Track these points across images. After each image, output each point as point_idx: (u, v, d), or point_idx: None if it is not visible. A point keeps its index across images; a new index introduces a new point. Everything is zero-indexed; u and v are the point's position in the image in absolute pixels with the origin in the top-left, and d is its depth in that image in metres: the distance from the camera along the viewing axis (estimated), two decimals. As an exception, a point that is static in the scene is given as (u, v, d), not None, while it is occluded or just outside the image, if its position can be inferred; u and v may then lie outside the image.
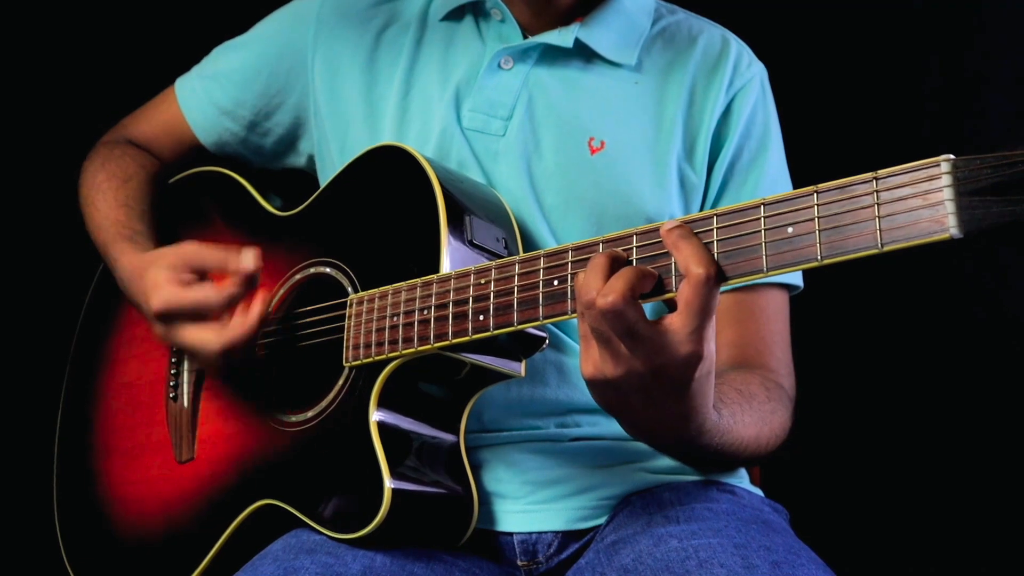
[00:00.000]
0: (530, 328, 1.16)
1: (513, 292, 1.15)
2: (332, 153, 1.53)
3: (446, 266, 1.24)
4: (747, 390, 1.31)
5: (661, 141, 1.46)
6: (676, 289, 1.02)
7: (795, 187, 1.52)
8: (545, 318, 1.12)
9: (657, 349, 1.01)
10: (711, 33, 1.56)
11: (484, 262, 1.20)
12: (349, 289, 1.34)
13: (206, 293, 1.33)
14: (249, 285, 1.34)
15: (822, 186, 0.94)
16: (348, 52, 1.54)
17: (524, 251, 1.33)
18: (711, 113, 1.48)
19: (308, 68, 1.56)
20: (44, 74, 2.16)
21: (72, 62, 2.15)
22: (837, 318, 2.06)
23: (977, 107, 2.04)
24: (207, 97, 1.64)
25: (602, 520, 1.39)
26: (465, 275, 1.20)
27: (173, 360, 1.54)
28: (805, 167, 1.55)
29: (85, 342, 1.70)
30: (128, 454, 1.56)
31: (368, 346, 1.27)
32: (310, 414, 1.33)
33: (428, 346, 1.21)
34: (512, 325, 1.14)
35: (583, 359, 1.07)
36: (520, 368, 1.29)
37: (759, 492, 1.47)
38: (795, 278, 1.51)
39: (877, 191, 0.90)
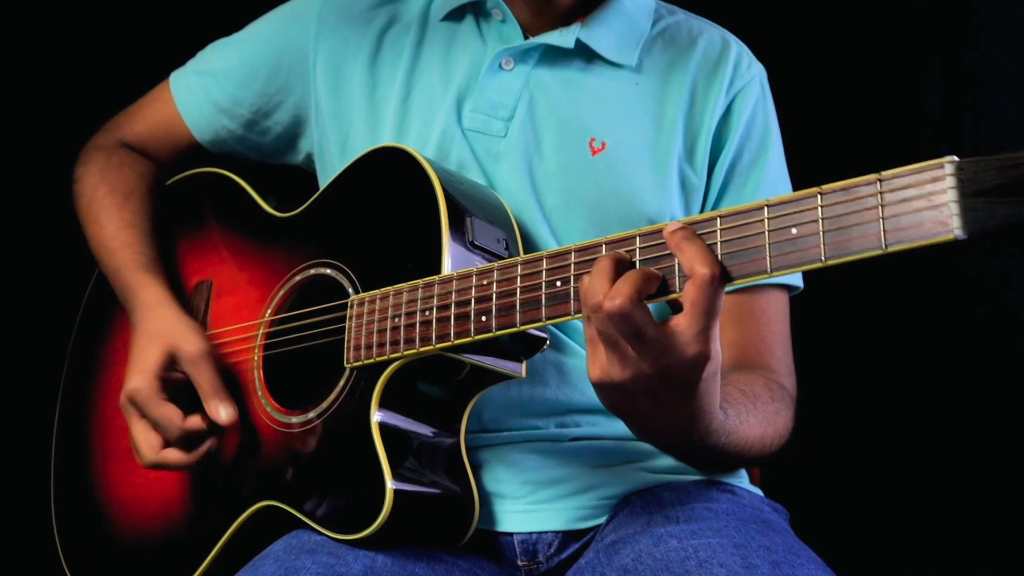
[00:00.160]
0: (532, 329, 1.16)
1: (516, 293, 1.15)
2: (332, 153, 1.53)
3: (447, 267, 1.24)
4: (751, 391, 1.32)
5: (662, 142, 1.46)
6: (679, 290, 1.02)
7: (795, 188, 1.53)
8: (548, 319, 1.12)
9: (664, 351, 1.01)
10: (711, 34, 1.56)
11: (484, 263, 1.20)
12: (350, 290, 1.34)
13: (170, 418, 1.38)
14: (210, 432, 1.40)
15: (826, 187, 0.94)
16: (350, 53, 1.53)
17: (525, 252, 1.33)
18: (711, 114, 1.48)
19: (310, 68, 1.55)
20: (41, 72, 2.15)
21: (68, 60, 2.14)
22: (838, 318, 2.06)
23: (977, 107, 2.05)
24: (204, 95, 1.63)
25: (602, 520, 1.39)
26: (467, 276, 1.20)
27: (173, 360, 1.54)
28: (805, 167, 1.55)
29: (82, 343, 1.70)
30: (126, 455, 1.55)
31: (369, 347, 1.27)
32: (311, 415, 1.33)
33: (430, 347, 1.21)
34: (515, 326, 1.14)
35: (589, 363, 1.07)
36: (521, 369, 1.29)
37: (759, 492, 1.47)
38: (795, 279, 1.51)
39: (881, 192, 0.90)
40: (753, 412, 1.28)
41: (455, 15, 1.53)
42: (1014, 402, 2.01)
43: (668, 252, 1.03)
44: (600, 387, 1.08)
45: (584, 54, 1.48)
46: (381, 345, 1.26)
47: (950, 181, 0.86)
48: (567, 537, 1.38)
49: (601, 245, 1.09)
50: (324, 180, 1.56)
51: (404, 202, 1.31)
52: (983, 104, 2.04)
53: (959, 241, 0.86)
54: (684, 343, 1.01)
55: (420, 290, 1.24)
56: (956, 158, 0.87)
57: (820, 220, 0.94)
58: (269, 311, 1.44)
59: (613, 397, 1.09)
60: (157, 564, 1.46)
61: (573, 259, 1.11)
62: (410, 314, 1.24)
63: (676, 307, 1.04)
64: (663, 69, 1.51)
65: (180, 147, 1.67)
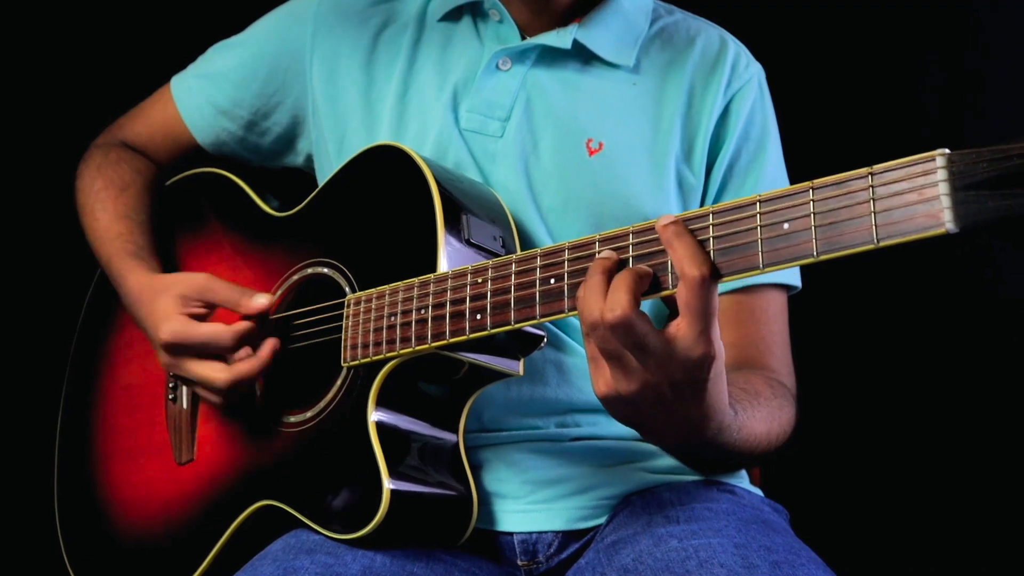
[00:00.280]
0: (528, 327, 1.16)
1: (510, 291, 1.15)
2: (330, 153, 1.53)
3: (443, 265, 1.24)
4: (752, 388, 1.32)
5: (659, 142, 1.46)
6: (672, 286, 1.02)
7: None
8: (542, 316, 1.12)
9: (668, 358, 1.01)
10: (709, 34, 1.55)
11: (481, 261, 1.20)
12: (347, 289, 1.34)
13: (217, 331, 1.35)
14: (259, 325, 1.37)
15: (818, 182, 0.94)
16: (346, 52, 1.53)
17: (521, 251, 1.33)
18: (709, 114, 1.48)
19: (306, 68, 1.56)
20: (42, 74, 2.16)
21: (69, 61, 2.15)
22: (836, 317, 2.05)
23: (977, 107, 2.04)
24: (204, 97, 1.63)
25: (602, 520, 1.39)
26: (462, 274, 1.20)
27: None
28: (804, 167, 1.53)
29: (85, 344, 1.71)
30: (128, 455, 1.56)
31: (366, 346, 1.27)
32: (309, 414, 1.33)
33: (426, 346, 1.21)
34: (509, 324, 1.14)
35: (594, 379, 1.08)
36: (519, 367, 1.29)
37: (759, 492, 1.47)
38: (793, 278, 1.51)
39: (873, 186, 0.90)
40: (758, 408, 1.28)
41: (452, 15, 1.53)
42: (1013, 399, 2.00)
43: (661, 248, 1.03)
44: (608, 401, 1.08)
45: (581, 54, 1.48)
46: (378, 344, 1.26)
47: (941, 174, 0.86)
48: (567, 537, 1.38)
49: (595, 242, 1.09)
50: (322, 180, 1.56)
51: (400, 200, 1.31)
52: (983, 104, 2.03)
53: (951, 235, 0.86)
54: (687, 347, 1.01)
55: (416, 289, 1.24)
56: (947, 151, 0.86)
57: (812, 215, 0.94)
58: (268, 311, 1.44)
59: (623, 410, 1.10)
60: (158, 564, 1.47)
61: (567, 256, 1.11)
62: (406, 313, 1.24)
63: (672, 306, 1.03)
64: (661, 69, 1.50)
65: (181, 149, 1.68)
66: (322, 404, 1.32)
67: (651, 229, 1.04)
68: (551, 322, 1.20)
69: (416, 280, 1.24)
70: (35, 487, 1.77)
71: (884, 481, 2.09)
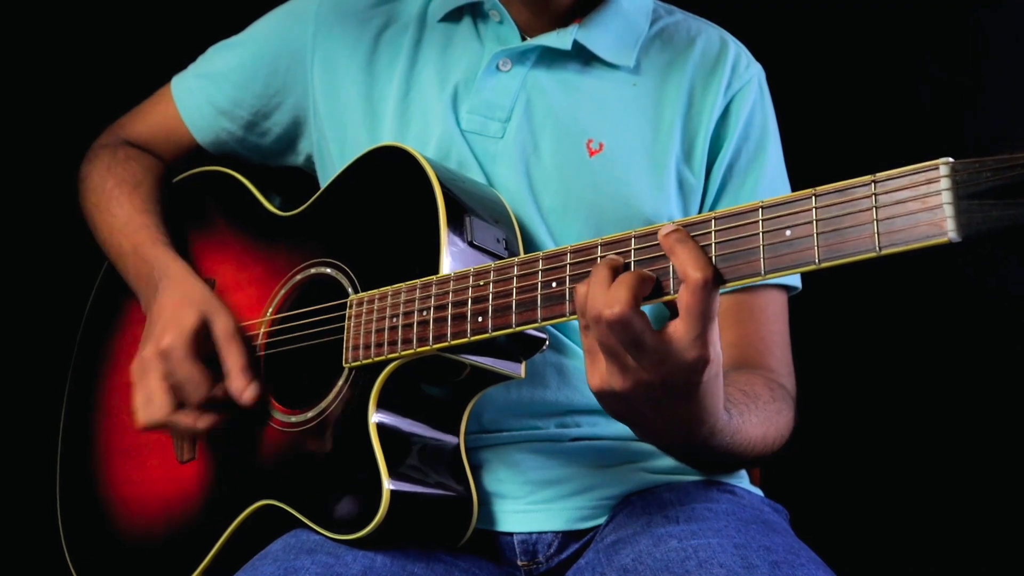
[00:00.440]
0: (530, 329, 1.16)
1: (512, 294, 1.15)
2: (332, 153, 1.53)
3: (446, 267, 1.24)
4: (752, 391, 1.32)
5: (659, 143, 1.46)
6: (674, 291, 1.02)
7: (794, 188, 1.52)
8: (543, 320, 1.12)
9: (663, 358, 1.01)
10: (709, 34, 1.55)
11: (484, 263, 1.20)
12: (349, 290, 1.34)
13: (200, 383, 1.37)
14: (227, 406, 1.38)
15: (820, 189, 0.94)
16: (347, 52, 1.53)
17: (524, 252, 1.33)
18: (709, 115, 1.48)
19: (307, 68, 1.55)
20: (42, 74, 2.15)
21: (70, 62, 2.14)
22: (837, 318, 2.05)
23: (977, 107, 2.04)
24: (204, 97, 1.63)
25: (602, 520, 1.39)
26: (464, 276, 1.20)
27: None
28: (804, 168, 1.55)
29: (88, 342, 1.71)
30: (130, 454, 1.56)
31: (368, 347, 1.27)
32: (310, 415, 1.33)
33: (427, 347, 1.21)
34: (510, 326, 1.14)
35: (589, 373, 1.07)
36: (520, 369, 1.29)
37: (759, 492, 1.47)
38: (794, 279, 1.51)
39: (875, 194, 0.90)
40: (755, 411, 1.27)
41: (453, 16, 1.52)
42: (1013, 402, 2.00)
43: (663, 254, 1.03)
44: (601, 396, 1.08)
45: (582, 55, 1.48)
46: (379, 345, 1.26)
47: (945, 183, 0.86)
48: (567, 537, 1.38)
49: (597, 246, 1.09)
50: (324, 180, 1.57)
51: (404, 201, 1.31)
52: (983, 104, 2.03)
53: (953, 244, 0.86)
54: (682, 349, 1.01)
55: (418, 290, 1.24)
56: (951, 159, 0.86)
57: (815, 222, 0.94)
58: (270, 310, 1.44)
59: (615, 405, 1.10)
60: (158, 562, 1.47)
61: (569, 260, 1.11)
62: (408, 314, 1.24)
63: (673, 309, 1.04)
64: (661, 70, 1.50)
65: (182, 149, 1.68)
66: (323, 404, 1.32)
67: (653, 234, 1.04)
68: (552, 325, 1.20)
69: (418, 282, 1.24)
70: (37, 485, 1.77)
71: (884, 481, 2.09)
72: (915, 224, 0.87)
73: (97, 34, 2.13)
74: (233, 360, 1.38)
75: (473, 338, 1.17)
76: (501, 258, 1.28)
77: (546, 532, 1.38)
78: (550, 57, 1.48)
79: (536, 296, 1.13)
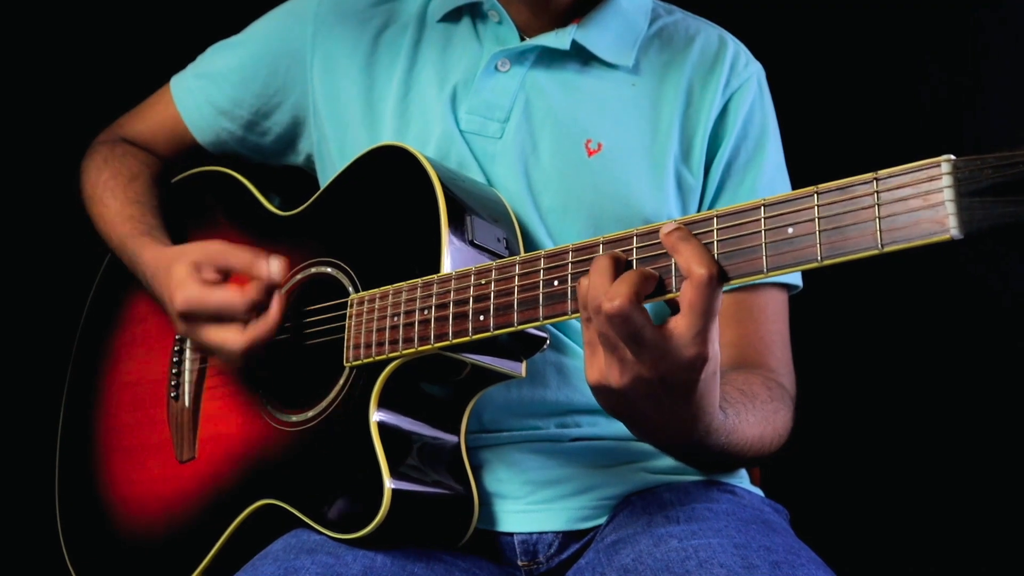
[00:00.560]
0: (531, 328, 1.16)
1: (513, 292, 1.15)
2: (332, 153, 1.53)
3: (447, 266, 1.24)
4: (749, 390, 1.31)
5: (658, 142, 1.46)
6: (676, 289, 1.02)
7: (793, 187, 1.53)
8: (545, 318, 1.12)
9: (662, 354, 1.01)
10: (708, 33, 1.55)
11: (485, 262, 1.20)
12: (350, 289, 1.34)
13: (230, 296, 1.34)
14: (271, 291, 1.35)
15: (822, 186, 0.94)
16: (346, 52, 1.53)
17: (524, 252, 1.33)
18: (708, 113, 1.48)
19: (307, 68, 1.55)
20: (42, 74, 2.15)
21: (71, 62, 2.14)
22: (837, 318, 2.06)
23: (977, 107, 2.04)
24: (204, 97, 1.63)
25: (602, 520, 1.39)
26: (465, 275, 1.20)
27: (174, 359, 1.54)
28: (804, 167, 1.55)
29: (88, 340, 1.71)
30: (130, 453, 1.56)
31: (368, 346, 1.27)
32: (311, 414, 1.33)
33: (428, 346, 1.21)
34: (512, 325, 1.14)
35: (587, 366, 1.07)
36: (521, 368, 1.29)
37: (759, 492, 1.47)
38: (794, 278, 1.51)
39: (878, 191, 0.90)
40: (752, 411, 1.27)
41: (452, 16, 1.52)
42: (1013, 402, 2.01)
43: (665, 252, 1.03)
44: (598, 390, 1.08)
45: (580, 55, 1.48)
46: (380, 344, 1.26)
47: (947, 180, 0.86)
48: (567, 537, 1.38)
49: (598, 245, 1.09)
50: (324, 180, 1.57)
51: (404, 201, 1.31)
52: (983, 104, 2.03)
53: (955, 241, 0.86)
54: (682, 345, 1.01)
55: (419, 289, 1.24)
56: (953, 157, 0.86)
57: (816, 219, 0.94)
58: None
59: (612, 400, 1.09)
60: (158, 562, 1.47)
61: (571, 259, 1.11)
62: (409, 313, 1.24)
63: (674, 307, 1.03)
64: (660, 69, 1.50)
65: (181, 148, 1.68)
66: (324, 404, 1.32)
67: (655, 233, 1.04)
68: (553, 324, 1.20)
69: (419, 281, 1.24)
70: (36, 484, 1.77)
71: (884, 481, 2.09)
72: (917, 221, 0.87)
73: (97, 34, 2.13)
74: (240, 257, 1.37)
75: (474, 337, 1.17)
76: (502, 257, 1.28)
77: (546, 532, 1.38)
78: (549, 57, 1.48)
79: (538, 295, 1.13)
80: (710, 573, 1.11)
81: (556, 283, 1.11)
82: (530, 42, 1.47)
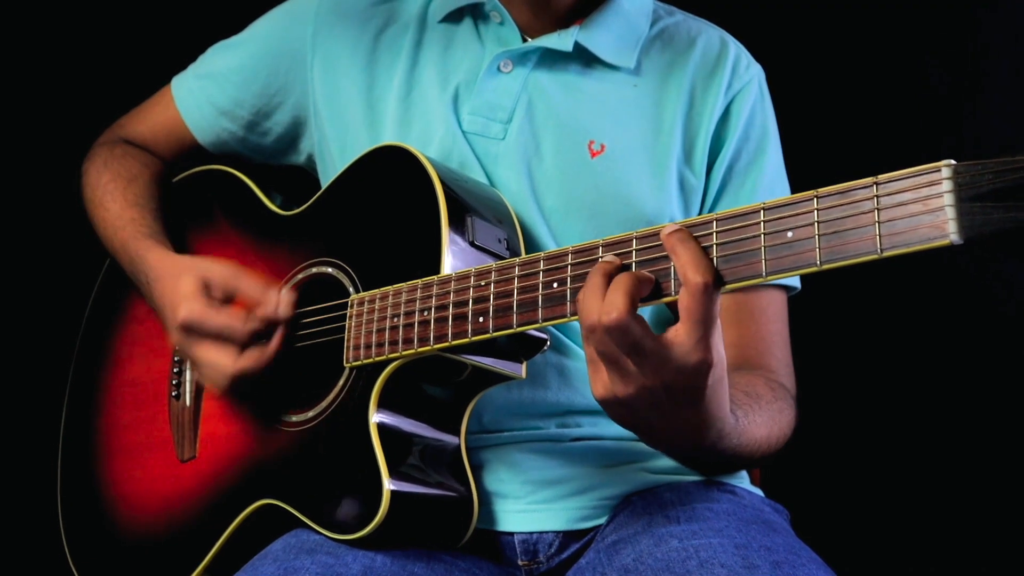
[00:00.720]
0: (531, 330, 1.16)
1: (513, 294, 1.15)
2: (333, 153, 1.53)
3: (447, 267, 1.24)
4: (753, 391, 1.31)
5: (660, 144, 1.46)
6: (675, 292, 1.02)
7: (793, 189, 1.53)
8: (544, 320, 1.12)
9: (665, 363, 1.01)
10: (709, 35, 1.55)
11: (485, 263, 1.20)
12: (350, 289, 1.34)
13: (232, 322, 1.35)
14: (275, 324, 1.36)
15: (822, 191, 0.94)
16: (347, 52, 1.53)
17: (526, 253, 1.33)
18: (710, 115, 1.48)
19: (307, 68, 1.55)
20: (42, 74, 2.15)
21: (70, 62, 2.14)
22: (837, 319, 2.06)
23: (977, 107, 2.04)
24: (205, 97, 1.63)
25: (603, 520, 1.39)
26: (465, 276, 1.20)
27: (176, 359, 1.54)
28: (804, 168, 1.55)
29: (89, 340, 1.71)
30: (130, 452, 1.56)
31: (368, 347, 1.27)
32: (311, 414, 1.33)
33: (428, 347, 1.21)
34: (511, 327, 1.14)
35: (592, 382, 1.07)
36: (521, 370, 1.29)
37: (759, 492, 1.47)
38: (793, 280, 1.50)
39: (877, 196, 0.90)
40: (758, 412, 1.27)
41: (453, 17, 1.52)
42: (1013, 403, 2.01)
43: (665, 254, 1.03)
44: (606, 404, 1.08)
45: (582, 56, 1.48)
46: (380, 345, 1.26)
47: (947, 185, 0.86)
48: (568, 537, 1.38)
49: (599, 247, 1.09)
50: (325, 180, 1.57)
51: (405, 201, 1.31)
52: (983, 104, 2.03)
53: (955, 246, 0.86)
54: (684, 353, 1.01)
55: (419, 290, 1.24)
56: (953, 162, 0.86)
57: (816, 224, 0.93)
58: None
59: (620, 413, 1.09)
60: (158, 561, 1.47)
61: (570, 260, 1.11)
62: (409, 314, 1.24)
63: (675, 310, 1.03)
64: (662, 71, 1.50)
65: (182, 148, 1.68)
66: (324, 404, 1.32)
67: (655, 235, 1.04)
68: (553, 326, 1.20)
69: (420, 281, 1.24)
70: (38, 483, 1.77)
71: (884, 481, 2.09)
72: (917, 226, 0.87)
73: (97, 34, 2.13)
74: (249, 288, 1.37)
75: (474, 338, 1.17)
76: (502, 258, 1.28)
77: (547, 532, 1.38)
78: (551, 58, 1.48)
79: (537, 296, 1.13)
80: (711, 573, 1.11)
81: (556, 285, 1.11)
82: (532, 43, 1.47)
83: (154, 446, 1.53)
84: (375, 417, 1.25)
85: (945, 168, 0.86)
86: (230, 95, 1.61)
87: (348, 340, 1.30)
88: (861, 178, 0.92)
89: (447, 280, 1.21)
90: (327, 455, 1.30)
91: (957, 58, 2.06)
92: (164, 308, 1.42)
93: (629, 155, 1.44)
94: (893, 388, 2.09)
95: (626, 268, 1.05)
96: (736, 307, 1.47)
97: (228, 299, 1.39)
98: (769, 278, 0.96)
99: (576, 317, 1.08)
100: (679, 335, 1.00)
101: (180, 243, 1.58)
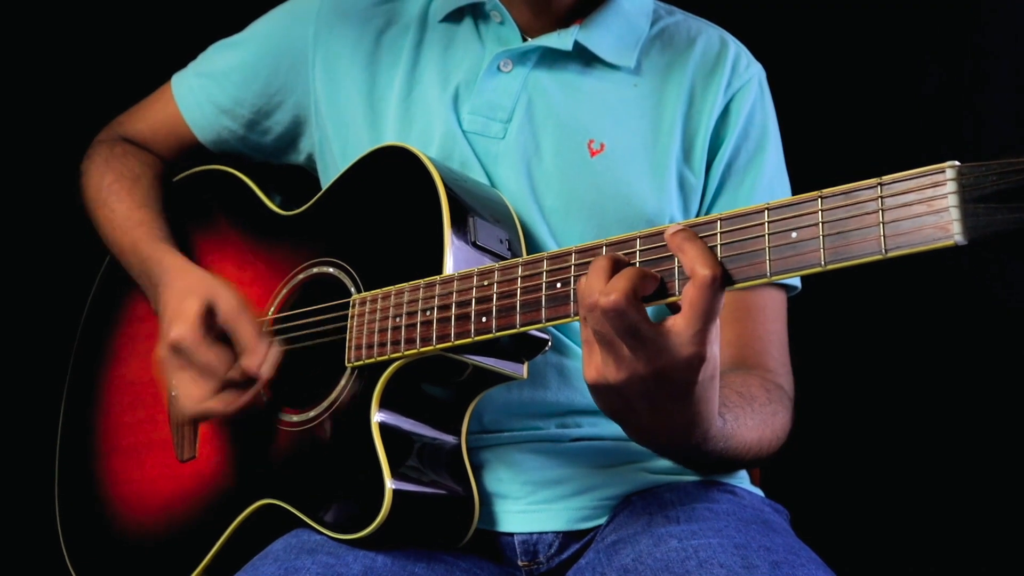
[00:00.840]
0: (532, 330, 1.16)
1: (516, 294, 1.15)
2: (333, 153, 1.53)
3: (449, 267, 1.24)
4: (748, 392, 1.31)
5: (660, 143, 1.46)
6: (678, 293, 1.02)
7: (793, 188, 1.53)
8: (548, 320, 1.12)
9: (659, 351, 1.00)
10: (709, 34, 1.55)
11: (487, 263, 1.20)
12: (352, 289, 1.34)
13: (217, 364, 1.34)
14: (263, 323, 1.37)
15: (826, 191, 0.94)
16: (348, 52, 1.53)
17: (527, 253, 1.33)
18: (709, 114, 1.48)
19: (308, 67, 1.55)
20: (42, 74, 2.15)
21: (70, 62, 2.14)
22: (837, 319, 2.06)
23: (977, 107, 2.04)
24: (205, 96, 1.63)
25: (602, 520, 1.39)
26: (468, 276, 1.20)
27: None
28: (804, 168, 1.55)
29: (88, 339, 1.71)
30: (130, 452, 1.56)
31: (370, 346, 1.27)
32: (312, 414, 1.33)
33: (430, 347, 1.21)
34: (515, 327, 1.14)
35: (585, 364, 1.07)
36: (522, 370, 1.29)
37: (759, 492, 1.48)
38: (794, 280, 1.51)
39: (882, 197, 0.90)
40: (750, 415, 1.27)
41: (454, 16, 1.52)
42: (1014, 403, 2.01)
43: (668, 255, 1.03)
44: (595, 389, 1.08)
45: (582, 56, 1.48)
46: (382, 345, 1.26)
47: (951, 186, 0.86)
48: (567, 537, 1.39)
49: (602, 247, 1.09)
50: (326, 180, 1.57)
51: (407, 201, 1.31)
52: (983, 104, 2.03)
53: (959, 247, 0.86)
54: (680, 344, 1.00)
55: (421, 290, 1.24)
56: (957, 163, 0.86)
57: (820, 224, 0.94)
58: (272, 309, 1.44)
59: (609, 399, 1.09)
60: (158, 561, 1.47)
61: (573, 260, 1.11)
62: (411, 314, 1.24)
63: (676, 311, 1.03)
64: (661, 70, 1.50)
65: (182, 147, 1.68)
66: (325, 404, 1.32)
67: (658, 235, 1.04)
68: (555, 326, 1.20)
69: (422, 281, 1.24)
70: (36, 483, 1.76)
71: (884, 481, 2.09)
72: (921, 227, 0.87)
73: (97, 34, 2.13)
74: (246, 335, 1.36)
75: (477, 338, 1.17)
76: (504, 258, 1.28)
77: (547, 532, 1.38)
78: (551, 58, 1.48)
79: (540, 296, 1.13)
80: (710, 573, 1.11)
81: (559, 285, 1.11)
82: (532, 43, 1.47)
83: (153, 446, 1.53)
84: (377, 417, 1.25)
85: (949, 169, 0.86)
86: (231, 94, 1.61)
87: (349, 340, 1.30)
88: (860, 178, 0.92)
89: (449, 280, 1.21)
90: (328, 455, 1.30)
91: (957, 58, 2.06)
92: (163, 317, 1.41)
93: (629, 154, 1.44)
94: (894, 388, 2.09)
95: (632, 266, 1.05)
96: (735, 305, 1.47)
97: (224, 335, 1.38)
98: (774, 278, 0.96)
99: (579, 318, 1.08)
100: (677, 324, 1.00)
101: (181, 243, 1.58)
